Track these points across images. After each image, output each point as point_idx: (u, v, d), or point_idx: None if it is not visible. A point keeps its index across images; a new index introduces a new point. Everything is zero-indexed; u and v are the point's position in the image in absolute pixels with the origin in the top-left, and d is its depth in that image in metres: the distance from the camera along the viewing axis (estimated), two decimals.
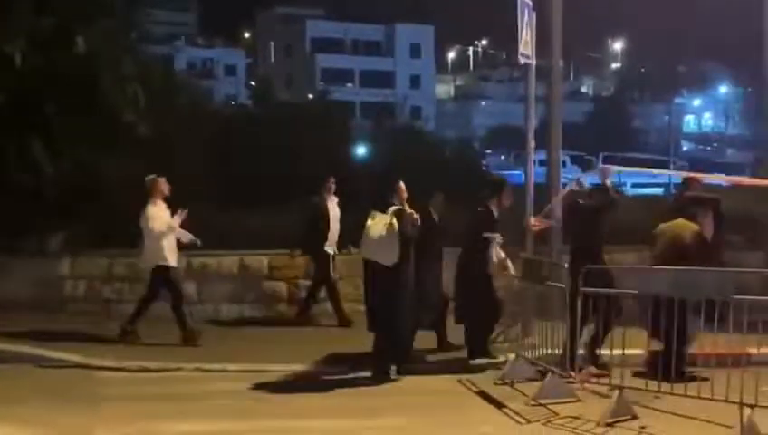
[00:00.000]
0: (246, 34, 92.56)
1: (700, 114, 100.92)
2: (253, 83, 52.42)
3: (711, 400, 7.59)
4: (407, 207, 9.79)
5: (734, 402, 7.37)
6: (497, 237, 10.52)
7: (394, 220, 9.62)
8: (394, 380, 9.70)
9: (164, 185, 11.39)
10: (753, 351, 7.93)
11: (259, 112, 26.35)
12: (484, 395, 9.17)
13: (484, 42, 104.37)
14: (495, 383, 9.56)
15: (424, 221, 9.98)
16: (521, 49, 11.11)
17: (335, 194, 12.93)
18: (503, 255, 10.59)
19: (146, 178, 11.44)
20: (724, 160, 73.05)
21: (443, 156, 27.87)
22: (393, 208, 9.75)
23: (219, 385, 9.59)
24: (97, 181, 14.30)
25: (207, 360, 10.43)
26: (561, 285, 8.96)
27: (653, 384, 8.25)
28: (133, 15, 15.82)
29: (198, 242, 11.67)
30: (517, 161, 39.80)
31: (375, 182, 18.12)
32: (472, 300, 10.55)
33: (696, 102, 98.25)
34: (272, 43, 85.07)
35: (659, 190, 40.85)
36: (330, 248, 12.72)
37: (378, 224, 9.74)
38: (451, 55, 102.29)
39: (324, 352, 10.81)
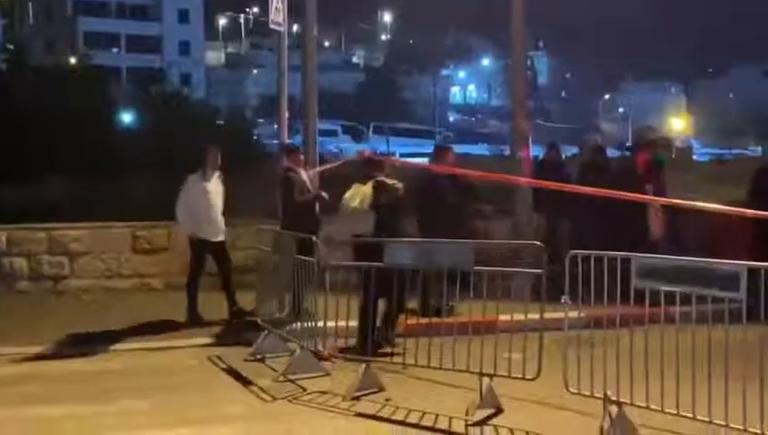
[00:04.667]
0: None
1: (465, 86, 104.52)
2: (10, 47, 49.25)
3: (453, 370, 7.67)
4: (387, 180, 9.75)
5: (474, 372, 7.46)
6: None
7: (370, 192, 9.65)
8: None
9: None
10: (494, 319, 8.06)
11: (14, 78, 24.79)
12: (232, 372, 8.92)
13: (255, 9, 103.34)
14: (245, 360, 9.33)
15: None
16: (272, 17, 10.88)
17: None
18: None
19: None
20: (487, 131, 76.32)
21: (214, 124, 27.28)
22: (373, 181, 9.73)
23: None
24: None
25: None
26: (312, 258, 8.81)
27: (399, 356, 8.26)
28: None
29: None
30: (290, 131, 39.59)
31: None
32: None
33: (462, 74, 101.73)
34: (30, 4, 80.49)
35: (426, 160, 41.96)
36: None
37: (356, 196, 9.76)
38: (222, 22, 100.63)
39: (64, 332, 10.25)
